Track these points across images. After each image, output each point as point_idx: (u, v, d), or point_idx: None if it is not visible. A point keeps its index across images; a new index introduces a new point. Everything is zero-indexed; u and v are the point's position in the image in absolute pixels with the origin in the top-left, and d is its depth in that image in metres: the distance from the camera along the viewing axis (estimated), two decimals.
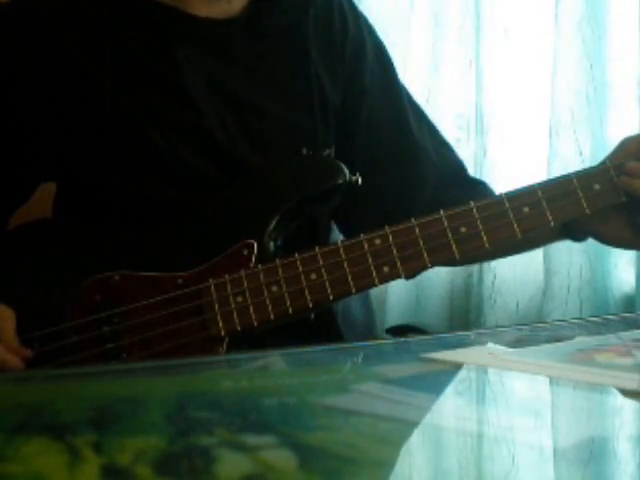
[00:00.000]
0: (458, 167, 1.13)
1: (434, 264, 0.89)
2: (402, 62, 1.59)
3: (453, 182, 1.08)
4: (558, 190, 0.90)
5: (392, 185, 1.07)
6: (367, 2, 1.63)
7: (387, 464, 0.43)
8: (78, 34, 0.97)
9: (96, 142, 0.96)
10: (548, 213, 0.89)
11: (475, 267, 1.46)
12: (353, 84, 1.07)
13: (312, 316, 0.91)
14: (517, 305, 1.46)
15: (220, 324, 0.89)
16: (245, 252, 0.91)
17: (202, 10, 1.00)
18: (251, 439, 0.46)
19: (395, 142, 1.08)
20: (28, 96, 0.99)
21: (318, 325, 0.93)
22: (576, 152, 1.35)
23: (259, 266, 0.90)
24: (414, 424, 0.52)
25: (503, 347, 0.74)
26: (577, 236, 1.00)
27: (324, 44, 1.04)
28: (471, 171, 1.52)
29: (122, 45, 0.97)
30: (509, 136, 1.47)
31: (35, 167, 1.03)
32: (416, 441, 0.48)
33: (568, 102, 1.37)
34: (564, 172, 0.96)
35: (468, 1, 1.53)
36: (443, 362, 0.68)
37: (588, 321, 0.99)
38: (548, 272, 1.39)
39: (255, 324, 0.88)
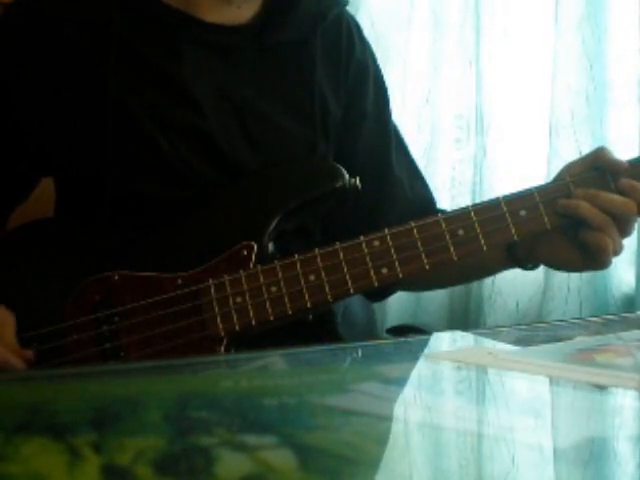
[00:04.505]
0: (428, 201, 1.13)
1: (432, 266, 0.89)
2: (402, 62, 1.60)
3: (421, 215, 1.04)
4: (555, 194, 0.91)
5: (362, 205, 1.04)
6: (367, 2, 1.63)
7: (387, 464, 0.43)
8: (85, 34, 0.97)
9: (99, 140, 0.96)
10: (545, 217, 0.90)
11: None
12: (354, 107, 1.07)
13: (310, 317, 0.91)
14: (517, 305, 1.47)
15: (219, 324, 0.89)
16: (245, 253, 0.91)
17: (210, 15, 1.00)
18: (251, 439, 0.46)
19: (375, 167, 1.09)
20: (32, 93, 0.99)
21: (317, 326, 0.93)
22: (576, 152, 1.35)
23: (258, 267, 0.90)
24: (414, 424, 0.52)
25: (503, 347, 0.74)
26: (526, 264, 1.00)
27: (329, 61, 1.05)
28: (471, 171, 1.53)
29: (128, 45, 0.97)
30: (509, 136, 1.47)
31: (37, 164, 1.03)
32: (416, 441, 0.48)
33: (568, 102, 1.37)
34: None
35: (468, 1, 1.53)
36: (443, 362, 0.68)
37: (588, 321, 0.99)
38: (548, 272, 1.39)
39: (254, 324, 0.88)
